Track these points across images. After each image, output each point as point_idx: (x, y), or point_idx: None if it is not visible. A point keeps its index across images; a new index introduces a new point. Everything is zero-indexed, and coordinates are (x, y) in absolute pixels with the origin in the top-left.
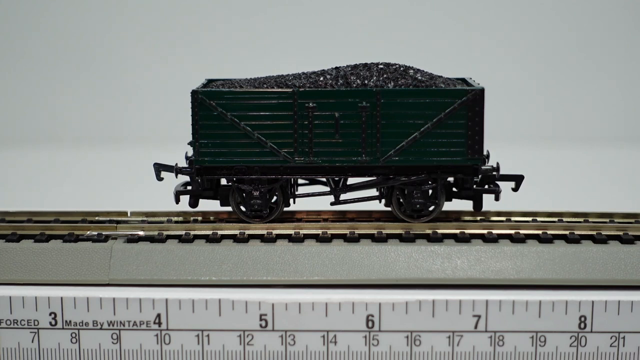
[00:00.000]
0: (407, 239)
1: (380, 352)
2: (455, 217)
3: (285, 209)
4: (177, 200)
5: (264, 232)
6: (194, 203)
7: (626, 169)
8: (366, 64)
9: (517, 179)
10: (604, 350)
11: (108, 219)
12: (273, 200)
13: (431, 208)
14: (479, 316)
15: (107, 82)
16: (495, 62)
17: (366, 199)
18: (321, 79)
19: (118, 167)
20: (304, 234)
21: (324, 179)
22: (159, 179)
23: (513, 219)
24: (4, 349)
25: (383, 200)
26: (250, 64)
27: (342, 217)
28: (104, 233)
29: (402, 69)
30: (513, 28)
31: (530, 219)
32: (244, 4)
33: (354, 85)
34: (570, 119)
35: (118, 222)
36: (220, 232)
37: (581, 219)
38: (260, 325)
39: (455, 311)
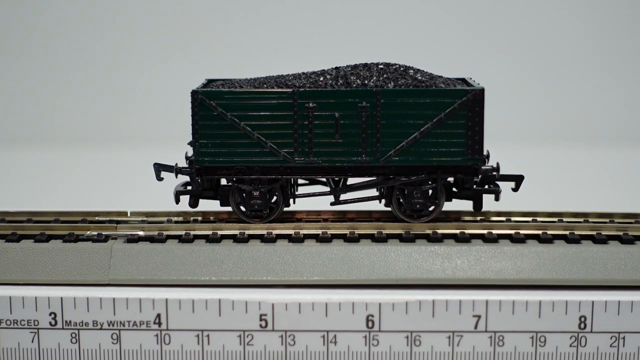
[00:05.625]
0: (407, 239)
1: (380, 352)
2: (455, 217)
3: (285, 209)
4: (177, 200)
5: (264, 232)
6: (194, 203)
7: (626, 169)
8: (366, 64)
9: (517, 179)
10: (604, 350)
11: (108, 219)
12: (273, 200)
13: (431, 208)
14: (479, 316)
15: (107, 82)
16: (495, 62)
17: (366, 199)
18: (321, 79)
19: (118, 167)
20: (304, 234)
21: (324, 179)
22: (159, 179)
23: (513, 219)
24: (4, 349)
25: (383, 200)
26: (250, 64)
27: (342, 217)
28: (104, 233)
29: (402, 69)
30: (513, 28)
31: (530, 219)
32: (243, 4)
33: (354, 85)
34: (570, 119)
35: (118, 222)
36: (220, 232)
37: (581, 219)
38: (260, 325)
39: (455, 311)
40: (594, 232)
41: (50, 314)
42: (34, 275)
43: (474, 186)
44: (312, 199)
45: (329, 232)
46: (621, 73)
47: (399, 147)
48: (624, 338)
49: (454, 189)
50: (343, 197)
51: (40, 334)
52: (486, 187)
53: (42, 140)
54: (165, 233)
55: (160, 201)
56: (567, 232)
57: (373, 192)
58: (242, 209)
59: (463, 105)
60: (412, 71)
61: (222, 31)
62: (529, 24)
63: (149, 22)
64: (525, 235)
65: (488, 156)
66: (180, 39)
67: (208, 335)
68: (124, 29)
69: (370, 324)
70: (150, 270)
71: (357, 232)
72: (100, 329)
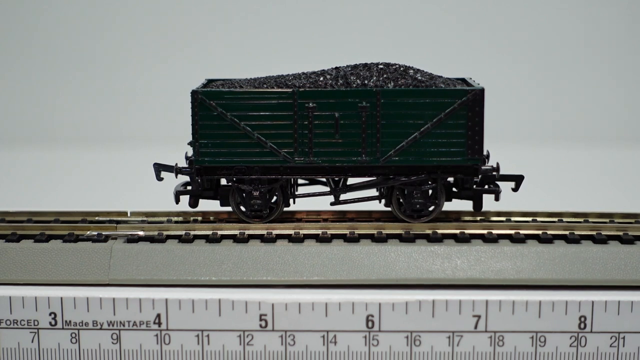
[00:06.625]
0: (407, 239)
1: (380, 352)
2: (455, 217)
3: (285, 209)
4: (177, 200)
5: (264, 232)
6: (194, 203)
7: (626, 169)
8: (366, 64)
9: (517, 179)
10: (604, 350)
11: (108, 219)
12: (273, 200)
13: (431, 208)
14: (479, 316)
15: (107, 82)
16: (495, 62)
17: (366, 199)
18: (321, 79)
19: (118, 167)
20: (304, 234)
21: (324, 179)
22: (159, 179)
23: (513, 219)
24: (4, 349)
25: (383, 200)
26: (250, 64)
27: (342, 217)
28: (104, 233)
29: (402, 69)
30: (513, 28)
31: (530, 219)
32: (243, 4)
33: (354, 85)
34: (570, 119)
35: (118, 222)
36: (220, 232)
37: (581, 219)
38: (260, 325)
39: (455, 311)
40: (594, 232)
41: (50, 314)
42: (34, 275)
43: (474, 186)
44: (312, 199)
45: (329, 232)
46: (621, 73)
47: (399, 147)
48: (624, 338)
49: (454, 189)
50: (343, 197)
51: (40, 334)
52: (486, 187)
53: (42, 140)
54: (165, 233)
55: (160, 201)
56: (567, 232)
57: (373, 192)
58: (242, 209)
59: (463, 105)
60: (412, 71)
61: (222, 31)
62: (529, 24)
63: (149, 22)
64: (525, 235)
65: (488, 156)
66: (180, 39)
67: (208, 335)
68: (124, 29)
69: (370, 324)
70: (150, 270)
71: (357, 232)
72: (100, 329)
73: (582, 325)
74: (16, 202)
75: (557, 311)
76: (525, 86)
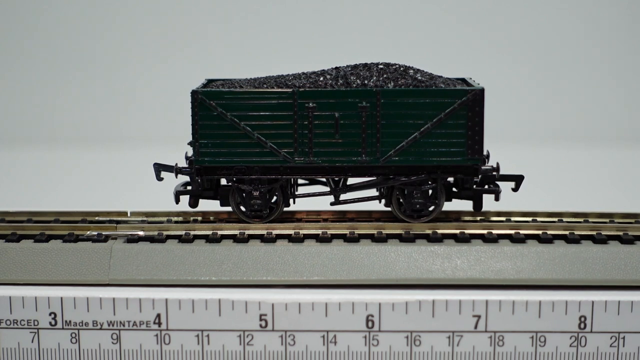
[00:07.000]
0: (407, 239)
1: (380, 352)
2: (455, 217)
3: (285, 209)
4: (177, 200)
5: (264, 232)
6: (194, 203)
7: (626, 169)
8: (366, 64)
9: (517, 179)
10: (604, 350)
11: (108, 219)
12: (273, 200)
13: (431, 208)
14: (479, 316)
15: (107, 82)
16: (495, 62)
17: (366, 199)
18: (321, 79)
19: (118, 167)
20: (304, 234)
21: (324, 179)
22: (159, 179)
23: (513, 219)
24: (4, 349)
25: (383, 200)
26: (250, 64)
27: (342, 217)
28: (104, 233)
29: (402, 69)
30: (513, 28)
31: (530, 219)
32: (243, 4)
33: (354, 85)
34: (570, 119)
35: (118, 222)
36: (220, 232)
37: (581, 219)
38: (260, 325)
39: (455, 311)
40: (594, 232)
41: (50, 314)
42: (34, 275)
43: (474, 186)
44: (312, 199)
45: (329, 232)
46: (621, 73)
47: (399, 147)
48: (624, 338)
49: (454, 189)
50: (343, 197)
51: (40, 334)
52: (486, 187)
53: (42, 140)
54: (165, 233)
55: (160, 201)
56: (567, 232)
57: (373, 192)
58: (242, 209)
59: (463, 105)
60: (412, 71)
61: (222, 31)
62: (529, 24)
63: (149, 22)
64: (525, 235)
65: (488, 156)
66: (180, 39)
67: (208, 335)
68: (124, 29)
69: (370, 324)
70: (150, 270)
71: (357, 232)
72: (100, 329)
73: (582, 325)
74: (16, 202)
75: (557, 311)
76: (525, 86)
